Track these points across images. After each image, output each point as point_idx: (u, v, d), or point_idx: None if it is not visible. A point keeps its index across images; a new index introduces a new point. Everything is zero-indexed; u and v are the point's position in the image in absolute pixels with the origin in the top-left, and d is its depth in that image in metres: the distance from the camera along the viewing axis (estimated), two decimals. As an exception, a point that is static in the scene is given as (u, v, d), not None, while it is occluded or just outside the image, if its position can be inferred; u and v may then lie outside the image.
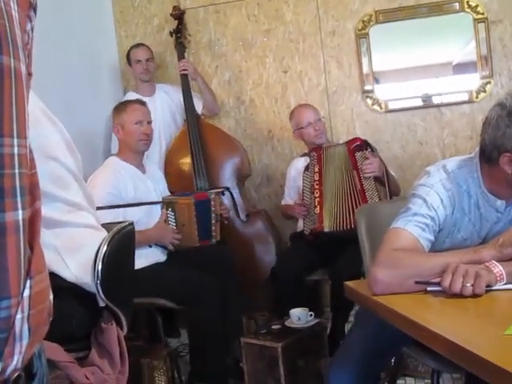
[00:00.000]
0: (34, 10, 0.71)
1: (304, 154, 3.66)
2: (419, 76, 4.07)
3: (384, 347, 1.93)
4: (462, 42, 3.99)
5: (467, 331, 1.31)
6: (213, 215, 3.23)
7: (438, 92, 4.00)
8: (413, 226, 1.71)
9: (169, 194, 3.35)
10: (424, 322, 1.35)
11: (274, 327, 2.84)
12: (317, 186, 3.42)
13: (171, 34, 4.07)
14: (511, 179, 1.68)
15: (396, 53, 4.09)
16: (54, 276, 1.10)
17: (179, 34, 4.04)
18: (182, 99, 3.94)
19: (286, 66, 4.18)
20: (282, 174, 4.04)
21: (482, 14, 3.85)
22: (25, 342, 0.65)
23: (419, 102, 4.04)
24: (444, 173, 1.81)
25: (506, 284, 1.51)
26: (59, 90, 3.39)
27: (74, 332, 1.21)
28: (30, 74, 0.70)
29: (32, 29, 0.71)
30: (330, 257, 3.21)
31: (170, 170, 3.81)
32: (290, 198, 3.71)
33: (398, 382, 2.83)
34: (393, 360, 2.37)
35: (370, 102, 4.06)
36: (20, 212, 0.62)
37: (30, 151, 0.70)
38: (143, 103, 3.24)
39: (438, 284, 1.52)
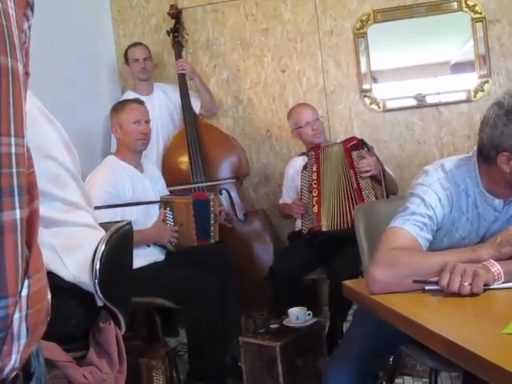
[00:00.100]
0: (32, 9, 0.71)
1: (302, 154, 3.66)
2: (417, 75, 4.07)
3: (382, 346, 1.93)
4: (460, 41, 3.99)
5: (465, 330, 1.31)
6: (212, 215, 3.23)
7: (436, 91, 4.00)
8: (411, 225, 1.71)
9: (167, 193, 3.35)
10: (422, 321, 1.35)
11: (272, 326, 2.84)
12: (315, 186, 3.42)
13: (168, 33, 4.07)
14: (509, 178, 1.68)
15: (394, 52, 4.09)
16: (51, 275, 1.10)
17: (176, 33, 4.04)
18: (179, 98, 3.94)
19: (284, 65, 4.18)
20: (280, 173, 4.04)
21: (480, 13, 3.85)
22: (23, 341, 0.65)
23: (417, 102, 4.05)
24: (442, 172, 1.81)
25: (503, 283, 1.51)
26: (57, 89, 3.39)
27: (72, 331, 1.21)
28: (27, 74, 0.70)
29: (29, 28, 0.71)
30: (328, 256, 3.21)
31: (168, 169, 3.80)
32: (287, 196, 3.71)
33: (396, 381, 2.83)
34: (391, 359, 2.37)
35: (368, 101, 4.06)
36: (17, 211, 0.62)
37: (28, 150, 0.70)
38: (141, 102, 3.23)
39: (436, 283, 1.52)
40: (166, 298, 2.89)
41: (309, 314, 2.85)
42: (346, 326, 3.12)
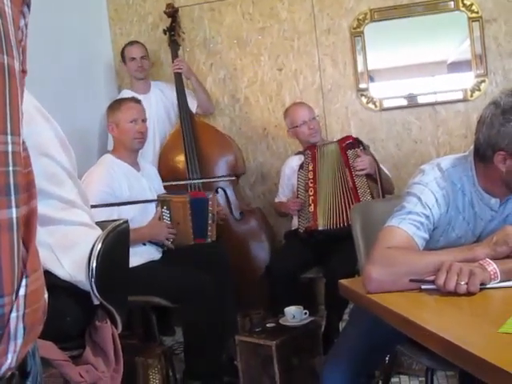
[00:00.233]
0: (28, 7, 0.70)
1: (298, 153, 3.66)
2: (414, 74, 4.08)
3: (378, 345, 1.93)
4: (457, 40, 4.00)
5: (461, 329, 1.31)
6: (209, 215, 3.23)
7: (433, 90, 4.01)
8: (407, 225, 1.72)
9: (164, 192, 3.35)
10: (418, 320, 1.35)
11: (268, 325, 2.84)
12: (311, 185, 3.42)
13: (165, 31, 4.07)
14: (505, 177, 1.69)
15: (391, 51, 4.09)
16: (47, 274, 1.10)
17: (173, 32, 4.04)
18: (176, 97, 3.93)
19: (280, 64, 4.18)
20: (276, 172, 4.04)
21: (477, 12, 3.85)
22: (19, 341, 0.65)
23: (414, 101, 4.05)
24: (438, 171, 1.81)
25: (500, 282, 1.51)
26: (53, 87, 3.38)
27: (68, 330, 1.21)
28: (24, 72, 0.70)
29: (26, 25, 0.70)
30: (324, 255, 3.21)
31: (164, 167, 3.80)
32: (283, 195, 3.71)
33: (393, 380, 2.84)
34: (387, 358, 2.37)
35: (364, 100, 4.07)
36: (14, 210, 0.62)
37: (25, 149, 0.70)
38: (138, 101, 3.23)
39: (433, 282, 1.52)
40: (163, 297, 2.89)
41: (305, 313, 2.85)
42: (342, 325, 3.13)
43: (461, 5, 3.87)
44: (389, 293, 1.57)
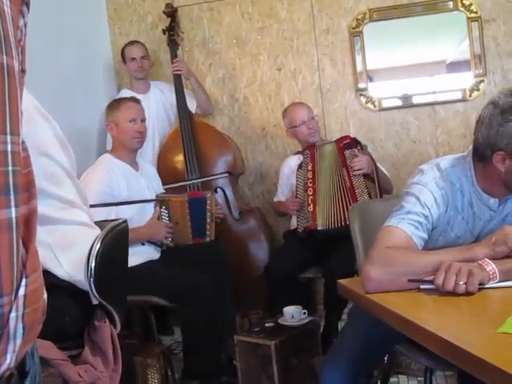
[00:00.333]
0: (27, 6, 0.70)
1: (297, 152, 3.66)
2: (413, 74, 4.08)
3: (377, 345, 1.93)
4: (456, 40, 4.00)
5: (460, 329, 1.31)
6: (208, 214, 3.23)
7: (432, 90, 4.01)
8: (406, 224, 1.72)
9: (163, 191, 3.35)
10: (417, 320, 1.35)
11: (267, 325, 2.84)
12: (310, 184, 3.42)
13: (164, 31, 4.06)
14: (504, 177, 1.69)
15: (390, 51, 4.09)
16: (46, 273, 1.10)
17: (172, 32, 4.03)
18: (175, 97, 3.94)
19: (279, 63, 4.18)
20: (275, 171, 4.03)
21: (476, 12, 3.86)
22: (19, 341, 0.65)
23: (413, 101, 4.05)
24: (437, 171, 1.81)
25: (498, 282, 1.51)
26: (53, 87, 3.38)
27: (67, 330, 1.21)
28: (23, 71, 0.70)
29: (25, 25, 0.70)
30: (323, 254, 3.21)
31: (163, 167, 3.80)
32: (282, 195, 3.71)
33: (391, 379, 2.84)
34: (386, 358, 2.37)
35: (363, 100, 4.07)
36: (13, 210, 0.62)
37: (25, 149, 0.70)
38: (137, 101, 3.23)
39: (431, 282, 1.52)
40: (161, 297, 2.89)
41: (304, 313, 2.86)
42: (341, 324, 3.13)
43: (460, 5, 3.87)
44: (387, 293, 1.57)
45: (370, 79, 4.08)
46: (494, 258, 1.54)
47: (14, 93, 0.63)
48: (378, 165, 3.42)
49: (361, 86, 4.06)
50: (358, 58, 4.04)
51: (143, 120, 3.20)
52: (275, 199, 3.78)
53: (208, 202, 3.24)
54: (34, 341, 0.73)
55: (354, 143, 3.41)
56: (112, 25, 4.39)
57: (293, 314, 2.83)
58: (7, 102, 0.61)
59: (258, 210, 3.93)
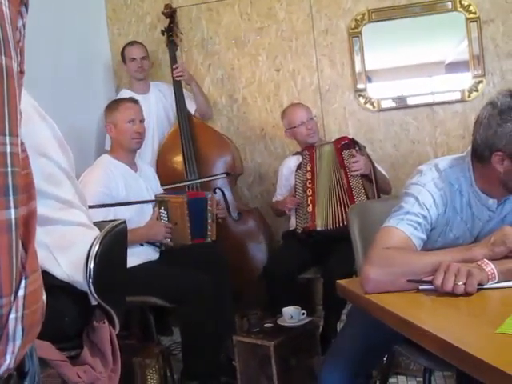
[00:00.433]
0: (26, 7, 0.70)
1: (296, 153, 3.66)
2: (412, 75, 4.08)
3: (376, 345, 1.93)
4: (455, 41, 4.00)
5: (459, 329, 1.31)
6: (209, 214, 3.23)
7: (431, 91, 4.01)
8: (405, 225, 1.72)
9: (162, 192, 3.35)
10: (416, 321, 1.35)
11: (266, 326, 2.84)
12: (309, 185, 3.42)
13: (163, 32, 4.06)
14: (503, 178, 1.69)
15: (388, 52, 4.09)
16: (45, 274, 1.10)
17: (171, 33, 4.03)
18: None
19: (278, 64, 4.18)
20: (274, 172, 4.03)
21: (475, 13, 3.86)
22: (18, 342, 0.65)
23: (412, 101, 4.05)
24: (436, 172, 1.82)
25: (497, 282, 1.51)
26: (51, 87, 3.38)
27: (66, 330, 1.21)
28: (22, 72, 0.69)
29: (24, 26, 0.70)
30: (322, 255, 3.21)
31: (162, 167, 3.80)
32: (281, 195, 3.71)
33: (390, 380, 2.84)
34: (385, 358, 2.37)
35: (362, 100, 4.07)
36: (12, 211, 0.62)
37: (24, 150, 0.70)
38: (136, 101, 3.23)
39: (430, 282, 1.53)
40: (160, 297, 2.89)
41: (303, 314, 2.86)
42: (340, 325, 3.13)
43: (458, 5, 3.87)
44: (386, 293, 1.58)
45: (369, 80, 4.08)
46: (492, 259, 1.55)
47: (13, 94, 0.63)
48: (377, 165, 3.43)
49: (360, 86, 4.06)
50: (357, 59, 4.04)
51: (142, 121, 3.20)
52: (274, 199, 3.78)
53: (209, 202, 3.24)
54: (33, 342, 0.73)
55: (352, 144, 3.42)
56: (111, 25, 4.39)
57: (292, 315, 2.83)
58: (6, 103, 0.61)
59: (256, 211, 3.93)
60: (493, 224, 1.80)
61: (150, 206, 3.14)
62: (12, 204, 0.62)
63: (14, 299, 0.63)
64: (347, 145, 3.41)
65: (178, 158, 3.83)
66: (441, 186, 1.79)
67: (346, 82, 4.10)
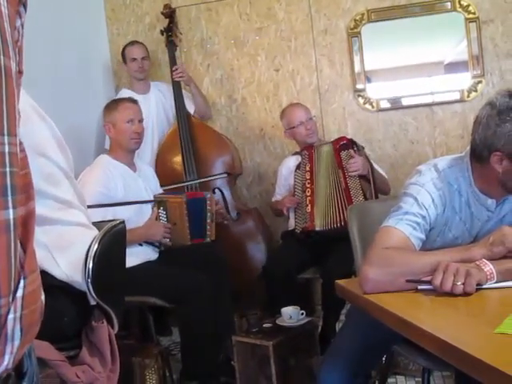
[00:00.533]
0: (24, 6, 0.70)
1: (295, 153, 3.66)
2: (411, 75, 4.08)
3: (375, 345, 1.93)
4: (454, 41, 4.00)
5: (458, 329, 1.31)
6: (208, 214, 3.23)
7: (430, 91, 4.01)
8: (404, 225, 1.72)
9: (161, 192, 3.35)
10: (415, 321, 1.35)
11: (265, 326, 2.84)
12: (308, 185, 3.43)
13: (162, 32, 4.06)
14: (502, 178, 1.69)
15: (388, 52, 4.09)
16: (44, 274, 1.10)
17: (170, 33, 4.03)
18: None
19: (277, 64, 4.18)
20: (273, 172, 4.03)
21: (474, 13, 3.86)
22: (16, 342, 0.65)
23: (411, 101, 4.05)
24: (435, 172, 1.82)
25: (496, 282, 1.51)
26: (51, 87, 3.38)
27: (64, 330, 1.21)
28: (20, 72, 0.69)
29: (22, 25, 0.70)
30: (321, 255, 3.21)
31: (161, 167, 3.79)
32: (280, 195, 3.70)
33: (389, 380, 2.84)
34: (384, 358, 2.37)
35: (361, 100, 4.07)
36: (11, 211, 0.62)
37: (23, 150, 0.70)
38: (135, 101, 3.22)
39: (429, 282, 1.53)
40: (159, 297, 2.89)
41: (302, 314, 2.86)
42: (339, 325, 3.13)
43: (458, 6, 3.87)
44: (385, 293, 1.58)
45: (368, 80, 4.08)
46: (491, 259, 1.55)
47: (12, 93, 0.63)
48: (375, 166, 3.43)
49: (359, 86, 4.06)
50: (356, 59, 4.04)
51: (141, 121, 3.20)
52: (273, 199, 3.78)
53: (208, 202, 3.24)
54: (31, 342, 0.73)
55: (350, 144, 3.42)
56: (110, 25, 4.39)
57: (291, 315, 2.83)
58: (4, 103, 0.61)
59: (255, 211, 3.93)
60: (491, 224, 1.80)
61: (149, 206, 3.13)
62: (10, 204, 0.62)
63: (13, 299, 0.63)
64: (345, 145, 3.41)
65: (177, 158, 3.83)
66: (440, 186, 1.79)
67: (345, 82, 4.10)
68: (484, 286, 1.50)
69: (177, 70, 3.89)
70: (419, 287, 1.56)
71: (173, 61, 3.96)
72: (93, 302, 1.20)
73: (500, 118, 1.63)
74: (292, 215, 3.54)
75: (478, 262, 1.53)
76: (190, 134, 3.82)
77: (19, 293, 0.64)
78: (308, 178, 3.44)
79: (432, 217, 1.77)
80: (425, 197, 1.77)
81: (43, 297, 0.73)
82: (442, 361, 1.24)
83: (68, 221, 1.18)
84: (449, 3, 3.90)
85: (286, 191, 3.65)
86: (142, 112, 3.23)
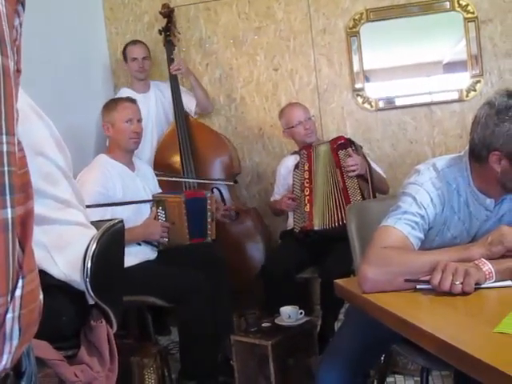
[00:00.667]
0: (23, 5, 0.70)
1: (294, 152, 3.66)
2: (410, 75, 4.08)
3: (374, 345, 1.93)
4: (453, 40, 4.00)
5: (456, 329, 1.32)
6: (209, 213, 3.23)
7: (429, 91, 4.01)
8: (403, 224, 1.72)
9: (159, 191, 3.34)
10: (413, 320, 1.35)
11: (264, 325, 2.84)
12: (307, 184, 3.43)
13: (160, 32, 4.05)
14: (500, 177, 1.69)
15: (386, 51, 4.09)
16: (42, 273, 1.10)
17: (168, 33, 4.02)
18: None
19: (276, 63, 4.18)
20: (272, 171, 4.04)
21: (473, 13, 3.86)
22: (15, 342, 0.65)
23: (410, 101, 4.05)
24: (434, 171, 1.82)
25: (495, 282, 1.51)
26: (49, 86, 3.38)
27: (63, 330, 1.21)
28: (18, 71, 0.69)
29: (20, 24, 0.70)
30: (320, 255, 3.21)
31: (159, 167, 3.79)
32: (279, 195, 3.70)
33: (388, 379, 2.84)
34: (382, 358, 2.38)
35: (360, 100, 4.07)
36: (9, 210, 0.62)
37: (21, 149, 0.70)
38: (134, 101, 3.22)
39: (428, 282, 1.53)
40: (158, 297, 2.89)
41: (301, 313, 2.86)
42: (337, 324, 3.13)
43: (456, 5, 3.87)
44: (384, 293, 1.58)
45: (367, 79, 4.08)
46: (490, 258, 1.55)
47: (10, 93, 0.63)
48: (374, 165, 3.43)
49: (358, 86, 4.06)
50: (355, 58, 4.04)
51: (140, 120, 3.20)
52: (272, 199, 3.78)
53: (209, 201, 3.23)
54: (30, 341, 0.72)
55: (348, 144, 3.42)
56: (108, 24, 4.39)
57: (289, 314, 2.83)
58: (2, 102, 0.61)
59: (254, 210, 3.93)
60: (490, 224, 1.81)
61: (148, 205, 3.13)
62: (9, 203, 0.62)
63: (11, 299, 0.63)
64: (343, 144, 3.41)
65: (176, 158, 3.83)
66: (438, 185, 1.79)
67: (343, 82, 4.10)
68: (483, 286, 1.50)
69: (173, 62, 3.90)
70: (418, 287, 1.56)
71: (170, 60, 3.96)
72: (91, 302, 1.20)
73: (498, 117, 1.63)
74: (291, 215, 3.55)
75: (476, 262, 1.53)
76: (189, 134, 3.82)
77: (18, 292, 0.64)
78: (307, 177, 3.45)
79: (431, 216, 1.77)
80: (423, 196, 1.77)
81: (42, 296, 0.73)
82: (441, 360, 1.24)
83: (66, 220, 1.18)
84: (448, 3, 3.90)
85: (285, 191, 3.65)
86: (140, 112, 3.23)
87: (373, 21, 4.00)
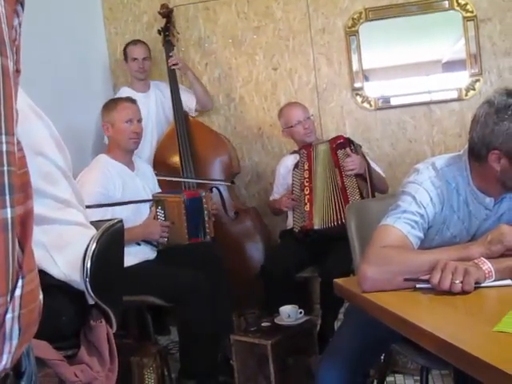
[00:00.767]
0: (22, 5, 0.70)
1: (294, 152, 3.66)
2: (409, 74, 4.08)
3: (373, 344, 1.93)
4: (452, 39, 4.00)
5: (456, 328, 1.32)
6: (205, 212, 3.23)
7: (428, 90, 4.01)
8: (402, 223, 1.72)
9: (159, 191, 3.34)
10: (413, 319, 1.35)
11: (263, 325, 2.84)
12: (306, 184, 3.43)
13: (159, 32, 4.05)
14: (500, 176, 1.69)
15: (386, 50, 4.09)
16: (42, 273, 1.10)
17: (167, 33, 4.02)
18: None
19: (275, 63, 4.18)
20: (271, 171, 4.04)
21: (472, 12, 3.86)
22: (15, 341, 0.65)
23: (409, 100, 4.05)
24: (433, 170, 1.82)
25: (494, 281, 1.51)
26: (48, 86, 3.38)
27: (63, 330, 1.21)
28: (18, 71, 0.69)
29: (20, 24, 0.70)
30: (319, 254, 3.21)
31: (159, 167, 3.79)
32: (278, 194, 3.70)
33: (388, 378, 2.84)
34: (382, 357, 2.38)
35: (359, 99, 4.07)
36: (8, 210, 0.62)
37: (21, 149, 0.70)
38: (133, 101, 3.22)
39: (427, 281, 1.53)
40: (158, 297, 2.89)
41: (300, 313, 2.86)
42: (337, 324, 3.13)
43: (455, 4, 3.87)
44: (384, 292, 1.58)
45: (366, 78, 4.08)
46: (489, 257, 1.55)
47: (9, 93, 0.63)
48: (373, 164, 3.44)
49: (357, 85, 4.06)
50: (354, 58, 4.04)
51: (139, 120, 3.19)
52: (271, 198, 3.78)
53: (204, 200, 3.23)
54: (30, 341, 0.72)
55: (347, 143, 3.42)
56: (107, 24, 4.38)
57: (289, 314, 2.83)
58: (2, 102, 0.61)
59: (253, 210, 3.93)
60: (489, 222, 1.81)
61: (147, 205, 3.13)
62: (8, 203, 0.62)
63: (11, 298, 0.63)
64: (342, 144, 3.42)
65: (175, 158, 3.82)
66: (438, 184, 1.79)
67: (343, 81, 4.10)
68: (482, 285, 1.50)
69: (171, 57, 3.90)
70: (417, 286, 1.56)
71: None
72: (91, 302, 1.20)
73: (498, 116, 1.63)
74: (290, 214, 3.55)
75: (476, 261, 1.53)
76: (188, 133, 3.82)
77: (17, 292, 0.64)
78: (306, 176, 3.45)
79: (430, 215, 1.77)
80: (423, 195, 1.77)
81: (41, 296, 0.73)
82: (441, 359, 1.24)
83: (66, 220, 1.18)
84: (446, 2, 3.90)
85: (284, 190, 3.65)
86: (140, 112, 3.23)
87: (372, 20, 4.00)
